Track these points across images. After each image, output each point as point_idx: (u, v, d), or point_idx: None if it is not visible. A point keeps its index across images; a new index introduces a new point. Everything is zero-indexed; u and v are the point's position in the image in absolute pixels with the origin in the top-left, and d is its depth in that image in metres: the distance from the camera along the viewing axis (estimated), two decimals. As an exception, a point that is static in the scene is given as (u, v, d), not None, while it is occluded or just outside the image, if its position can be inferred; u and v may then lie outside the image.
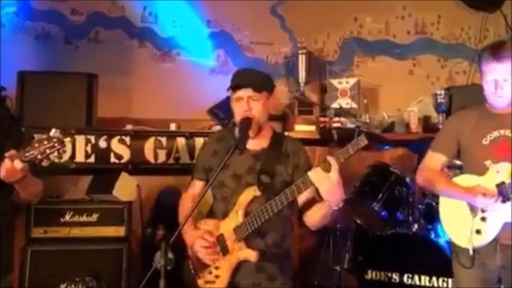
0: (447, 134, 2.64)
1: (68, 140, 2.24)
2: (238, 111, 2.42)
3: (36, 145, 2.15)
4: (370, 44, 5.05)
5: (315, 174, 2.15)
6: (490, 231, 2.43)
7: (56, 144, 2.16)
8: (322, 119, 4.56)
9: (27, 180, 2.25)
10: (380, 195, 3.61)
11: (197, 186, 2.61)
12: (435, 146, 2.66)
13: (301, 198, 2.36)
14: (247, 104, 2.39)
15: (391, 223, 3.62)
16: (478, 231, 2.45)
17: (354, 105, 4.61)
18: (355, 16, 5.03)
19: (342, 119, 4.53)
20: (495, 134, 2.49)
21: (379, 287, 3.49)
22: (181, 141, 4.03)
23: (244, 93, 2.40)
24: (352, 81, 4.67)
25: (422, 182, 2.70)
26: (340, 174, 2.17)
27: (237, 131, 2.48)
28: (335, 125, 4.43)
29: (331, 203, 2.20)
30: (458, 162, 2.89)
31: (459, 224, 2.51)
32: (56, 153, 2.18)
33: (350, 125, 4.38)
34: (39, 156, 2.15)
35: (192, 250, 2.43)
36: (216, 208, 2.51)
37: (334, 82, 4.71)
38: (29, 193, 2.35)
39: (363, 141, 2.12)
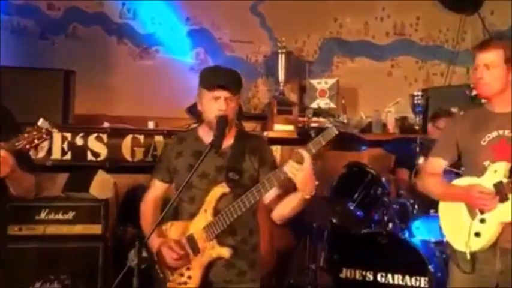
0: (446, 138, 2.63)
1: (55, 131, 2.22)
2: (213, 110, 2.39)
3: (26, 135, 2.15)
4: (350, 45, 5.09)
5: (289, 167, 2.18)
6: (490, 233, 2.37)
7: (45, 135, 2.16)
8: (301, 118, 4.59)
9: (18, 175, 2.22)
10: (356, 195, 3.66)
11: (159, 187, 2.58)
12: (435, 151, 2.64)
13: (267, 199, 2.37)
14: (225, 104, 2.38)
15: (366, 222, 3.67)
16: (477, 234, 2.39)
17: (333, 106, 4.64)
18: (335, 17, 5.07)
19: (321, 119, 4.56)
20: (494, 134, 2.46)
21: (354, 285, 3.52)
22: (159, 139, 4.00)
23: (223, 93, 2.38)
24: (331, 81, 4.71)
25: (422, 189, 2.67)
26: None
27: (200, 130, 2.49)
28: (313, 124, 4.47)
29: (305, 192, 2.23)
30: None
31: (458, 228, 2.47)
32: (43, 144, 2.17)
33: (328, 125, 4.39)
34: (27, 146, 2.14)
35: (159, 256, 2.42)
36: (182, 209, 2.48)
37: (314, 82, 4.74)
38: (21, 188, 2.32)
39: (333, 131, 2.13)
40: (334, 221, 3.95)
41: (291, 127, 4.51)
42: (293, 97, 4.90)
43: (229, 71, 2.50)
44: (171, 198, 2.39)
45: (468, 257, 2.39)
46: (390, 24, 5.14)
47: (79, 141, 3.90)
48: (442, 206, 2.58)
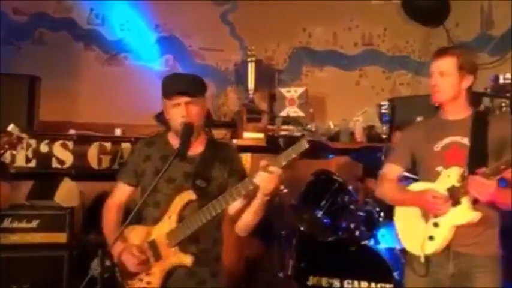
0: (401, 146, 2.71)
1: (25, 136, 2.18)
2: (176, 117, 2.38)
3: None
4: (318, 54, 5.15)
5: (260, 178, 2.18)
6: (443, 236, 2.42)
7: (15, 141, 2.12)
8: (270, 126, 4.61)
9: None
10: (323, 203, 3.68)
11: (124, 191, 2.55)
12: (391, 157, 2.72)
13: (232, 209, 2.37)
14: (186, 110, 2.37)
15: (333, 230, 3.69)
16: (431, 238, 2.44)
17: (302, 114, 4.68)
18: (304, 26, 5.12)
19: (290, 127, 4.59)
20: (446, 140, 2.53)
21: (321, 292, 3.54)
22: (126, 146, 3.98)
23: (182, 99, 2.37)
24: (300, 90, 4.75)
25: (379, 194, 2.72)
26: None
27: (170, 136, 2.47)
28: (283, 133, 4.49)
29: (268, 197, 2.24)
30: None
31: (413, 232, 2.53)
32: (14, 149, 2.13)
33: (297, 133, 4.44)
34: None
35: (119, 260, 2.38)
36: (146, 213, 2.45)
37: (283, 91, 4.77)
38: None
39: (304, 144, 2.14)
40: (301, 228, 3.96)
41: (260, 135, 4.52)
42: (263, 105, 4.92)
43: (187, 75, 2.50)
44: (134, 203, 2.37)
45: (422, 260, 2.45)
46: (358, 34, 5.21)
47: (44, 148, 3.85)
48: (397, 211, 2.64)
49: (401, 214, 2.62)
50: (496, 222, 2.50)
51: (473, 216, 2.39)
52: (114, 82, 4.57)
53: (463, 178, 2.39)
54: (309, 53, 5.13)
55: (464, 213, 2.40)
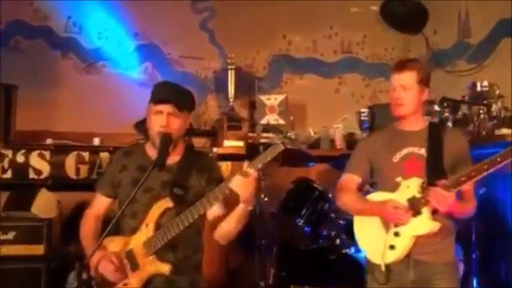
0: (359, 156, 2.74)
1: (7, 152, 2.15)
2: (156, 125, 2.37)
3: None
4: (298, 62, 5.16)
5: (235, 181, 2.18)
6: (403, 246, 2.50)
7: None
8: (250, 134, 4.60)
9: None
10: (304, 211, 3.68)
11: (102, 202, 2.53)
12: (349, 167, 2.75)
13: (211, 215, 2.37)
14: (167, 120, 2.35)
15: (314, 238, 3.69)
16: (392, 247, 2.49)
17: (282, 122, 4.68)
18: (284, 34, 5.13)
19: (270, 135, 4.59)
20: (404, 151, 2.59)
21: (301, 301, 3.53)
22: (105, 156, 3.93)
23: (166, 108, 2.36)
24: (280, 97, 4.75)
25: (338, 203, 2.77)
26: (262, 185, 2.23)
27: (148, 145, 2.46)
28: (263, 140, 4.48)
29: (248, 204, 2.25)
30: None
31: (373, 241, 2.57)
32: None
33: (277, 141, 4.42)
34: None
35: (97, 270, 2.35)
36: (124, 224, 2.43)
37: (263, 98, 4.77)
38: None
39: (280, 147, 2.15)
40: (282, 237, 3.96)
41: (240, 143, 4.51)
42: (243, 113, 4.91)
43: (178, 87, 2.48)
44: (112, 215, 2.34)
45: (383, 269, 2.49)
46: (338, 42, 5.24)
47: (20, 158, 3.80)
48: (357, 220, 2.68)
49: (360, 224, 2.66)
50: (452, 231, 2.61)
51: (434, 226, 2.47)
52: (93, 90, 4.53)
53: (423, 189, 2.47)
54: (289, 61, 5.14)
55: (424, 224, 2.48)
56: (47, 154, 3.85)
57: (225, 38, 4.93)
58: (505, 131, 3.78)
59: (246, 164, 2.19)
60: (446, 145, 2.56)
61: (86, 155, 3.93)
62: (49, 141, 4.00)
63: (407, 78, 2.57)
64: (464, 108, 4.04)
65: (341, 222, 3.67)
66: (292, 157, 3.89)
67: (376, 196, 2.61)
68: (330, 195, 3.78)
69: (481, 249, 3.59)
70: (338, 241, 3.61)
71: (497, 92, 3.91)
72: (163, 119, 2.35)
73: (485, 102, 3.91)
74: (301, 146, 4.50)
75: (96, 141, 4.16)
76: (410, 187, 2.50)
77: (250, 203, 2.25)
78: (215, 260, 4.06)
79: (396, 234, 2.50)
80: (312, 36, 5.18)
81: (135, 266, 2.33)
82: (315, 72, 5.17)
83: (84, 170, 3.91)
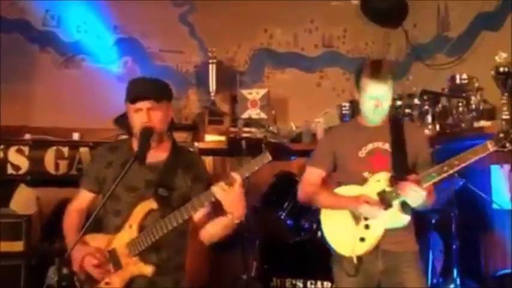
0: (323, 150, 2.74)
1: None
2: (138, 122, 2.34)
3: None
4: (280, 56, 5.15)
5: (218, 189, 2.16)
6: (373, 238, 2.53)
7: None
8: (232, 129, 4.58)
9: None
10: (286, 204, 3.69)
11: (85, 197, 2.50)
12: (313, 161, 2.77)
13: (198, 214, 2.33)
14: (147, 116, 2.32)
15: (296, 231, 3.70)
16: (362, 239, 2.55)
17: (264, 116, 4.67)
18: (265, 28, 5.12)
19: (252, 130, 4.58)
20: (370, 146, 2.62)
21: (284, 294, 3.54)
22: (84, 151, 3.88)
23: (144, 104, 2.32)
24: (262, 92, 4.74)
25: (303, 197, 2.77)
26: (245, 187, 2.19)
27: (134, 142, 2.41)
28: (245, 135, 4.48)
29: (234, 216, 2.22)
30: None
31: (342, 234, 2.61)
32: None
33: (259, 135, 4.43)
34: None
35: (80, 266, 2.33)
36: (107, 222, 2.41)
37: (245, 92, 4.76)
38: None
39: (267, 157, 2.15)
40: (265, 230, 3.96)
41: (222, 138, 4.49)
42: (224, 107, 4.89)
43: (150, 80, 2.44)
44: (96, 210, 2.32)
45: (355, 261, 2.55)
46: (318, 36, 5.25)
47: (-2, 153, 3.73)
48: (324, 214, 2.71)
49: (328, 217, 2.69)
50: (412, 222, 2.67)
51: (404, 219, 2.56)
52: (72, 85, 4.47)
53: (391, 183, 2.54)
54: (270, 55, 5.13)
55: (395, 217, 2.55)
56: (26, 149, 3.80)
57: (205, 32, 4.90)
58: (483, 123, 3.83)
59: (232, 173, 2.16)
60: (407, 140, 2.63)
61: (65, 150, 3.88)
62: (27, 136, 3.94)
63: (386, 89, 2.59)
64: (443, 101, 4.08)
65: (322, 215, 3.69)
66: (274, 151, 3.89)
67: (344, 190, 2.64)
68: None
69: (461, 240, 3.64)
70: (320, 233, 3.61)
71: (476, 84, 3.96)
72: (144, 116, 2.32)
73: (464, 95, 3.96)
74: (283, 140, 4.51)
75: (76, 136, 4.11)
76: (381, 181, 2.56)
77: (237, 216, 2.21)
78: (197, 259, 4.05)
79: (367, 227, 2.56)
80: (293, 30, 5.18)
81: (117, 266, 2.31)
82: (296, 67, 5.17)
83: (63, 165, 3.86)
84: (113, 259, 2.30)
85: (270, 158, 2.14)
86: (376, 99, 2.58)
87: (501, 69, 3.78)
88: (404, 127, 2.69)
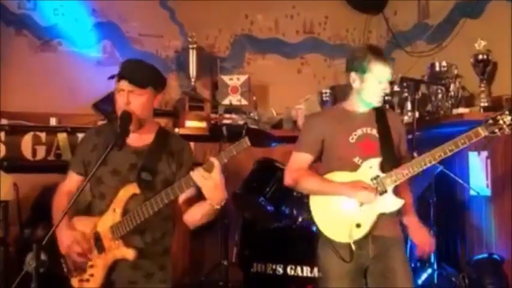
0: (311, 135, 2.70)
1: None
2: (119, 103, 2.33)
3: None
4: (261, 42, 5.12)
5: (197, 174, 2.15)
6: (369, 223, 2.56)
7: None
8: (213, 115, 4.56)
9: None
10: (266, 190, 3.69)
11: (74, 180, 2.48)
12: (300, 146, 2.73)
13: (182, 197, 2.33)
14: (127, 98, 2.30)
15: (277, 217, 3.71)
16: (358, 225, 2.55)
17: (244, 102, 4.65)
18: (246, 13, 5.08)
19: (233, 116, 4.56)
20: (359, 132, 2.62)
21: (264, 279, 3.54)
22: (62, 136, 3.84)
23: (126, 86, 2.30)
24: (243, 78, 4.71)
25: (292, 183, 2.71)
26: (225, 173, 2.18)
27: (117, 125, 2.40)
28: (225, 121, 4.46)
29: (213, 202, 2.20)
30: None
31: (337, 220, 2.59)
32: None
33: (240, 122, 4.41)
34: None
35: (66, 249, 2.32)
36: (93, 205, 2.41)
37: (225, 78, 4.72)
38: None
39: (246, 143, 2.13)
40: (246, 216, 3.97)
41: (202, 124, 4.47)
42: (205, 93, 4.85)
43: (143, 64, 2.40)
44: (86, 192, 2.33)
45: (353, 247, 2.53)
46: (300, 22, 5.23)
47: (-27, 139, 3.65)
48: (315, 201, 2.67)
49: (319, 204, 2.65)
50: None
51: (399, 203, 2.58)
52: (49, 69, 4.37)
53: (384, 168, 2.56)
54: (251, 41, 5.09)
55: (390, 201, 2.57)
56: (2, 135, 3.75)
57: (185, 17, 4.83)
58: (462, 110, 3.87)
59: (210, 159, 2.15)
60: (391, 126, 2.66)
61: (42, 135, 3.83)
62: (4, 121, 3.87)
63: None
64: (423, 88, 4.11)
65: (304, 200, 3.69)
66: (255, 137, 3.88)
67: (336, 176, 2.61)
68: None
69: (438, 226, 3.69)
70: (300, 219, 3.64)
71: (456, 72, 4.00)
72: (124, 97, 2.30)
73: (443, 82, 3.99)
74: (263, 127, 4.50)
75: (53, 121, 4.04)
76: (373, 167, 2.56)
77: (217, 202, 2.20)
78: (179, 243, 4.05)
79: (362, 212, 2.55)
80: (274, 15, 5.15)
81: (101, 249, 2.30)
82: (277, 53, 5.15)
83: (41, 151, 3.81)
84: (96, 242, 2.30)
85: (248, 143, 2.12)
86: (386, 82, 2.61)
87: (480, 57, 3.84)
88: (387, 114, 2.72)
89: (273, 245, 3.57)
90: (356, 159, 2.59)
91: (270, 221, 3.73)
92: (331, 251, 2.58)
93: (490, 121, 2.50)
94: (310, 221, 3.60)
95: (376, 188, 2.54)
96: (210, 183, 2.14)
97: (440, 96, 3.99)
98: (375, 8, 5.24)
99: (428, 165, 2.53)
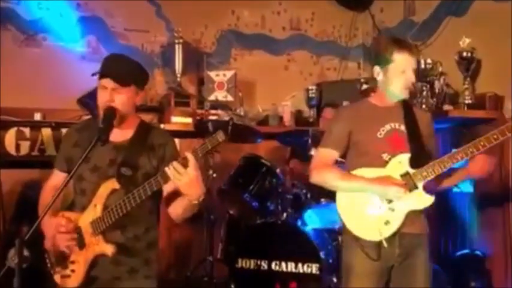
0: (339, 130, 2.61)
1: None
2: (101, 100, 2.30)
3: None
4: (247, 38, 5.11)
5: (172, 170, 2.11)
6: (399, 220, 2.48)
7: None
8: (199, 111, 4.54)
9: None
10: (251, 186, 3.70)
11: (58, 177, 2.47)
12: (327, 142, 2.62)
13: (166, 189, 2.31)
14: (110, 95, 2.28)
15: (261, 213, 3.72)
16: (386, 222, 2.48)
17: (230, 98, 4.63)
18: (233, 9, 5.06)
19: (219, 112, 4.55)
20: (387, 127, 2.55)
21: (249, 274, 3.56)
22: (46, 132, 3.77)
23: (109, 83, 2.28)
24: (229, 74, 4.68)
25: (319, 180, 2.61)
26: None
27: (100, 123, 2.38)
28: (211, 117, 4.45)
29: (190, 197, 2.18)
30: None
31: (365, 217, 2.51)
32: None
33: (226, 118, 4.41)
34: None
35: (51, 242, 2.31)
36: (76, 201, 2.40)
37: (212, 74, 4.69)
38: None
39: (221, 137, 2.09)
40: (231, 212, 3.97)
41: (188, 120, 4.45)
42: (191, 89, 4.83)
43: (124, 60, 2.36)
44: (68, 190, 2.32)
45: (385, 245, 2.46)
46: (286, 18, 5.22)
47: (-45, 134, 3.59)
48: (341, 197, 2.59)
49: (347, 201, 2.57)
50: None
51: (429, 200, 2.51)
52: (33, 64, 4.32)
53: (413, 164, 2.48)
54: (237, 36, 5.08)
55: (421, 198, 2.50)
56: (-15, 130, 3.67)
57: (172, 12, 4.80)
58: (447, 107, 3.91)
59: (185, 153, 2.12)
60: (419, 122, 2.60)
61: (26, 130, 3.76)
62: (-14, 116, 3.81)
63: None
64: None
65: (288, 196, 3.72)
66: (240, 133, 3.89)
67: (365, 172, 2.53)
68: (278, 170, 3.82)
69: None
70: (285, 215, 3.65)
71: (440, 69, 4.03)
72: (106, 95, 2.28)
73: (428, 79, 4.02)
74: (249, 123, 4.50)
75: (38, 116, 3.98)
76: (402, 163, 2.49)
77: (194, 197, 2.17)
78: (163, 237, 4.03)
79: (391, 209, 2.49)
80: (261, 11, 5.14)
81: (82, 245, 2.29)
82: (263, 49, 5.14)
83: (24, 146, 3.74)
84: (77, 238, 2.29)
85: (223, 137, 2.08)
86: (410, 71, 2.56)
87: (464, 54, 3.87)
88: (415, 110, 2.66)
89: (258, 241, 3.58)
90: (384, 155, 2.51)
91: (254, 217, 3.75)
92: (358, 249, 2.51)
93: None
94: (295, 217, 3.67)
95: (406, 184, 2.47)
96: (185, 179, 2.11)
97: (425, 93, 4.02)
98: (362, 5, 5.25)
99: (460, 161, 2.48)
